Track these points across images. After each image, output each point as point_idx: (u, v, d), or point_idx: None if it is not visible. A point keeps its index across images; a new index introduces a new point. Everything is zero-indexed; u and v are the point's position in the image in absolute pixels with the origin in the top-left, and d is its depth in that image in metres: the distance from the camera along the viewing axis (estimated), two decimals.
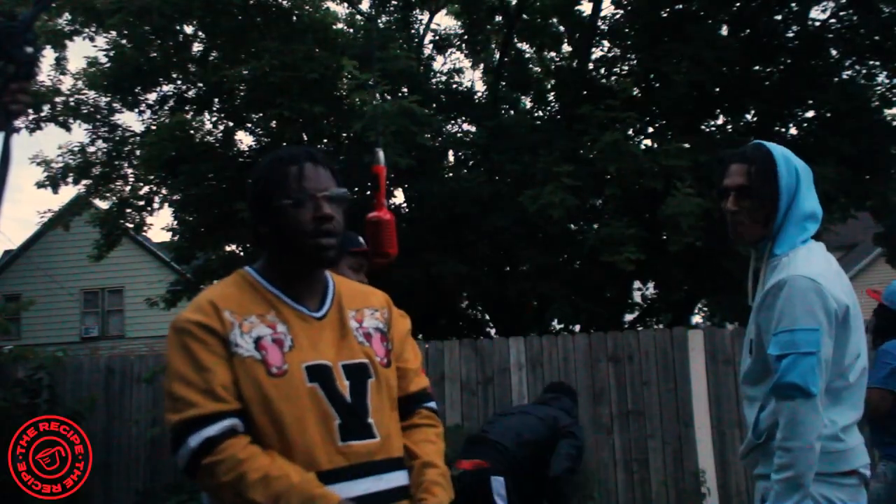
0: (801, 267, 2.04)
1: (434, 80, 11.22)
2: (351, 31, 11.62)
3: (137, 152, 10.88)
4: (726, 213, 2.19)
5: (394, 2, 11.09)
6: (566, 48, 11.62)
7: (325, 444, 1.61)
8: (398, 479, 1.70)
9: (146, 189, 11.25)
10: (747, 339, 2.17)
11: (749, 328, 2.17)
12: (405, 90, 9.23)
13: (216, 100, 10.47)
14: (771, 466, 2.01)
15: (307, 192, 1.70)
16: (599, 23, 10.54)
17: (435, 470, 1.74)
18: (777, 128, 10.30)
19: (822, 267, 2.07)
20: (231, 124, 10.76)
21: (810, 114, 10.18)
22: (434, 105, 10.16)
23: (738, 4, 9.56)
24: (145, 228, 11.86)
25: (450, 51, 11.90)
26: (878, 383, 3.60)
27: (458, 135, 10.84)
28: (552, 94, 11.60)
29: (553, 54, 11.87)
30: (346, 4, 11.46)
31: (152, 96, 10.83)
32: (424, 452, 1.76)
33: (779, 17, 9.68)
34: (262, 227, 1.75)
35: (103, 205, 11.94)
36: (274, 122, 9.78)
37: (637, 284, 11.11)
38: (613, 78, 10.38)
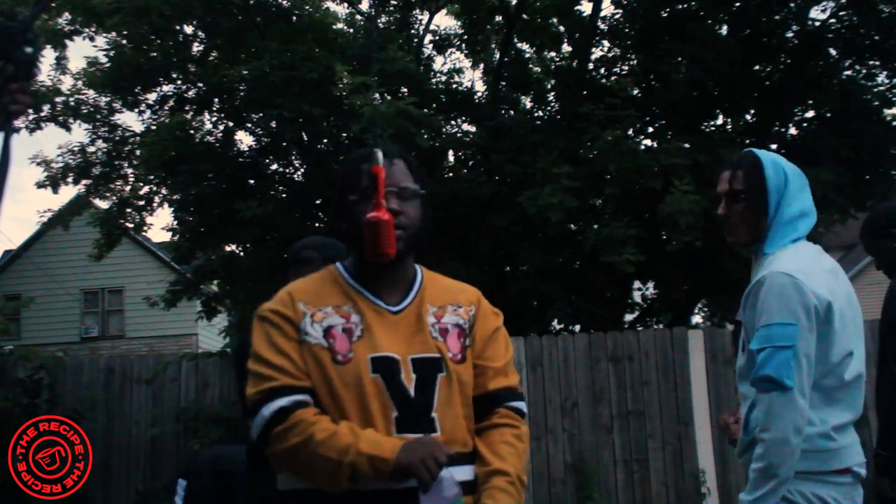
0: (781, 264, 2.07)
1: (434, 81, 11.21)
2: (351, 31, 11.62)
3: (137, 152, 10.88)
4: (720, 220, 2.25)
5: (393, 2, 11.09)
6: (566, 48, 11.62)
7: (384, 433, 1.65)
8: (463, 473, 1.70)
9: (146, 189, 11.26)
10: (740, 337, 2.21)
11: (742, 326, 2.21)
12: (405, 91, 9.23)
13: (216, 100, 10.46)
14: None
15: (368, 189, 1.75)
16: (599, 23, 10.54)
17: (502, 477, 1.71)
18: (777, 128, 10.30)
19: (806, 264, 2.09)
20: (231, 124, 10.76)
21: (810, 114, 10.17)
22: (434, 105, 10.15)
23: (737, 4, 9.56)
24: (145, 228, 11.87)
25: (450, 51, 11.89)
26: None
27: (458, 135, 10.84)
28: (552, 94, 11.60)
29: (553, 54, 11.86)
30: (346, 4, 11.47)
31: (152, 96, 10.84)
32: (496, 457, 1.74)
33: (778, 17, 9.67)
34: (343, 225, 1.81)
35: (103, 205, 11.95)
36: (274, 122, 9.78)
37: (637, 284, 11.10)
38: (613, 78, 10.37)
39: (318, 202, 10.51)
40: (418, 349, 1.73)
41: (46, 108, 10.63)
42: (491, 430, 1.79)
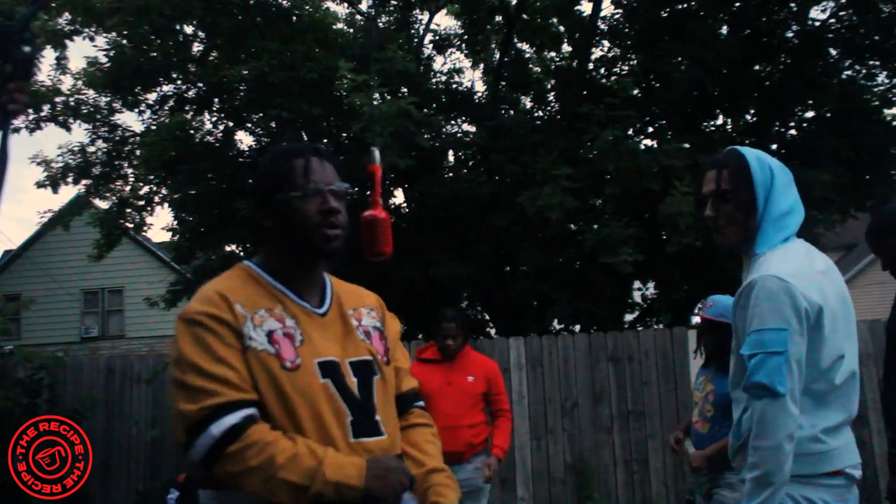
0: (772, 266, 2.03)
1: (434, 80, 11.21)
2: (351, 31, 11.62)
3: (137, 152, 10.89)
4: (707, 221, 2.20)
5: (394, 2, 11.09)
6: (566, 48, 11.62)
7: (341, 439, 1.62)
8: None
9: (146, 189, 11.27)
10: (733, 340, 2.18)
11: (732, 329, 2.18)
12: (405, 90, 9.23)
13: (216, 100, 10.46)
14: None
15: (314, 186, 1.71)
16: (599, 23, 10.53)
17: (441, 474, 1.78)
18: (777, 128, 10.29)
19: (798, 266, 2.05)
20: (231, 124, 10.76)
21: (810, 114, 10.18)
22: (434, 105, 10.15)
23: (737, 4, 9.56)
24: (145, 228, 11.87)
25: (450, 51, 11.89)
26: None
27: (458, 135, 10.84)
28: (552, 94, 11.60)
29: (553, 54, 11.86)
30: (346, 4, 11.46)
31: (152, 96, 10.84)
32: (428, 457, 1.80)
33: (778, 17, 9.67)
34: (266, 221, 1.75)
35: (103, 205, 11.95)
36: (274, 122, 9.78)
37: (637, 284, 11.09)
38: (613, 78, 10.37)
39: None
40: (353, 352, 1.72)
41: (46, 108, 10.64)
42: (410, 429, 1.83)
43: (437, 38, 11.80)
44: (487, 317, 11.55)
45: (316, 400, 1.62)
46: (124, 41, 10.20)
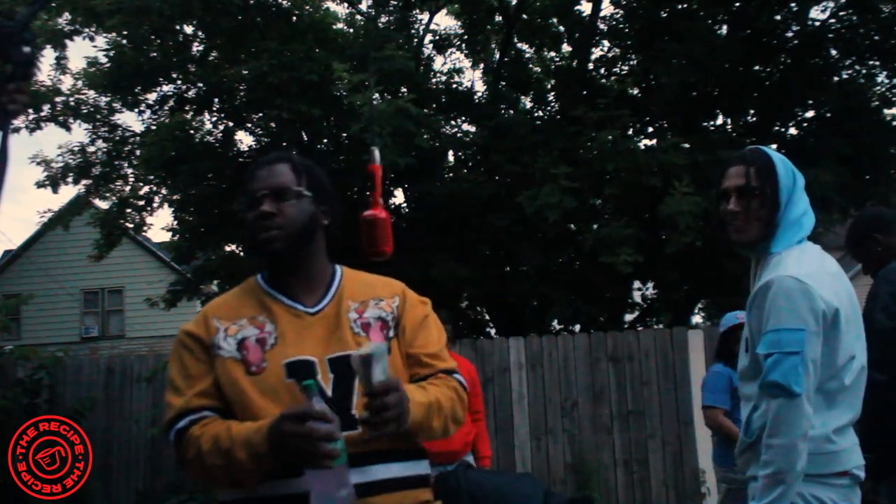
0: (790, 267, 2.05)
1: (434, 80, 11.21)
2: (351, 31, 11.61)
3: (137, 152, 10.88)
4: (726, 215, 2.20)
5: (393, 2, 11.08)
6: (566, 48, 11.62)
7: None
8: (391, 471, 1.68)
9: (146, 189, 11.25)
10: (743, 338, 2.20)
11: (745, 327, 2.19)
12: (404, 90, 9.22)
13: (216, 100, 10.45)
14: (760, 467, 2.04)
15: (249, 194, 1.80)
16: (599, 23, 10.54)
17: (434, 379, 1.77)
18: (777, 128, 10.30)
19: (813, 267, 2.08)
20: (231, 124, 10.75)
21: (810, 114, 10.18)
22: (434, 105, 10.14)
23: (737, 4, 9.56)
24: (145, 228, 11.87)
25: (450, 51, 11.88)
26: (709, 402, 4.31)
27: (458, 135, 10.83)
28: (552, 94, 11.60)
29: (553, 54, 11.86)
30: (346, 4, 11.46)
31: (152, 96, 10.82)
32: (418, 387, 1.73)
33: (778, 17, 9.67)
34: None
35: (103, 205, 11.94)
36: (273, 122, 9.77)
37: (637, 284, 11.10)
38: (613, 78, 10.37)
39: None
40: (335, 348, 1.73)
41: (46, 108, 10.61)
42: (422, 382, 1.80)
43: (437, 38, 11.79)
44: (487, 317, 11.54)
45: (280, 400, 1.65)
46: (124, 41, 10.19)
